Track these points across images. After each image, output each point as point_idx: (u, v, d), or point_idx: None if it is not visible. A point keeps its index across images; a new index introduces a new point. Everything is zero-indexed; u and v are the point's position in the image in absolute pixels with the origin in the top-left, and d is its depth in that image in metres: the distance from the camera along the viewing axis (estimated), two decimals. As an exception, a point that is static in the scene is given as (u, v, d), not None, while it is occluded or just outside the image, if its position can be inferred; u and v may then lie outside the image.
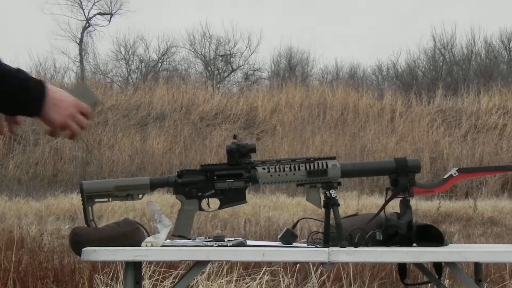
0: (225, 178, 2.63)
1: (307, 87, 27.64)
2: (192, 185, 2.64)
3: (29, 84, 2.04)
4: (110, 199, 2.63)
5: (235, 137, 2.68)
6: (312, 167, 2.65)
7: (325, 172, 2.64)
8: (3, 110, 2.09)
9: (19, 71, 2.05)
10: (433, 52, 34.44)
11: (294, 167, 2.65)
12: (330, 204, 2.62)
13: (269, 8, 55.18)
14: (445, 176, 2.83)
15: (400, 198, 2.75)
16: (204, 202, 2.66)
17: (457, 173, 2.82)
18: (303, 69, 34.90)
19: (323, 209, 2.63)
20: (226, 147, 2.67)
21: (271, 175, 2.64)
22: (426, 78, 33.67)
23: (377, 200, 15.24)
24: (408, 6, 55.08)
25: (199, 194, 2.64)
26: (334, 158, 2.68)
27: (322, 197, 2.64)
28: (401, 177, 2.71)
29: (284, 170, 2.64)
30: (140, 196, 2.64)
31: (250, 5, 54.65)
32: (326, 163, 2.66)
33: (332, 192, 2.63)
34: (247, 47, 34.47)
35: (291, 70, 34.11)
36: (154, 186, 2.64)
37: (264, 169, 2.64)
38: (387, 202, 2.72)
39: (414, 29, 56.84)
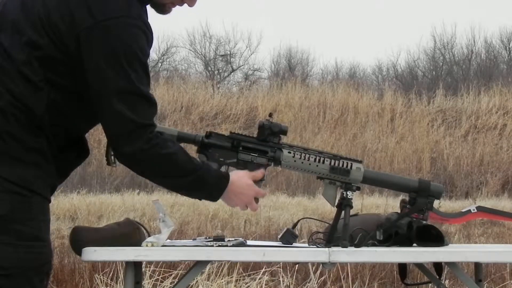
0: (250, 151, 2.62)
1: (307, 87, 27.63)
2: (217, 148, 2.61)
3: (211, 177, 2.43)
4: None
5: (270, 115, 2.66)
6: (336, 164, 2.64)
7: (348, 172, 2.64)
8: (186, 193, 2.47)
9: (208, 167, 2.44)
10: (433, 52, 34.45)
11: (319, 159, 2.64)
12: (344, 204, 2.62)
13: (269, 8, 55.23)
14: (464, 210, 2.88)
15: (401, 198, 2.76)
16: (223, 169, 2.63)
17: (475, 210, 2.86)
18: (303, 69, 34.91)
19: (330, 208, 2.63)
20: (258, 122, 2.65)
21: (295, 161, 2.63)
22: (426, 78, 33.67)
23: (377, 200, 15.23)
24: (408, 6, 55.11)
25: (221, 159, 2.61)
26: (360, 161, 2.68)
27: (338, 196, 2.65)
28: (420, 198, 2.70)
29: (308, 159, 2.63)
30: None
31: (250, 5, 54.71)
32: (351, 164, 2.65)
33: (349, 193, 2.63)
34: (247, 47, 34.45)
35: (291, 70, 34.10)
36: (180, 139, 2.62)
37: (290, 152, 2.63)
38: (400, 217, 2.72)
39: (414, 29, 56.88)
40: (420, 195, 2.70)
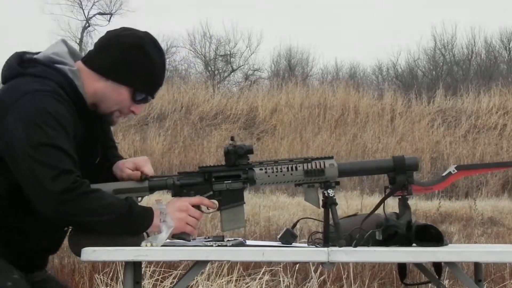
0: (223, 179, 2.64)
1: (307, 87, 27.63)
2: (191, 187, 2.65)
3: (133, 211, 2.52)
4: None
5: (232, 138, 2.67)
6: (309, 167, 2.64)
7: (323, 171, 2.64)
8: (116, 233, 2.52)
9: (130, 204, 2.54)
10: (433, 52, 34.47)
11: (292, 167, 2.64)
12: (328, 203, 2.61)
13: (269, 8, 55.21)
14: (444, 174, 2.82)
15: (399, 197, 2.75)
16: None
17: (456, 171, 2.80)
18: (303, 69, 34.94)
19: (321, 209, 2.63)
20: (223, 148, 2.67)
21: (269, 176, 2.64)
22: (426, 78, 33.68)
23: (377, 200, 15.13)
24: (408, 6, 55.09)
25: (198, 195, 2.64)
26: (331, 157, 2.67)
27: (321, 197, 2.64)
28: (399, 175, 2.70)
29: (281, 171, 2.64)
30: (139, 199, 2.66)
31: (250, 5, 54.68)
32: (324, 162, 2.65)
33: (330, 191, 2.62)
34: (247, 47, 34.50)
35: (291, 70, 34.12)
36: (153, 188, 2.67)
37: (261, 170, 2.64)
38: (384, 199, 2.72)
39: (414, 29, 56.88)
40: (397, 172, 2.70)
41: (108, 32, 2.69)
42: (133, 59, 2.62)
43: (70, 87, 2.56)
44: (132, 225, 2.53)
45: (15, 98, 2.49)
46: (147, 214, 2.56)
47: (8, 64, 2.60)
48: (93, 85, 2.61)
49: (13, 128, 2.45)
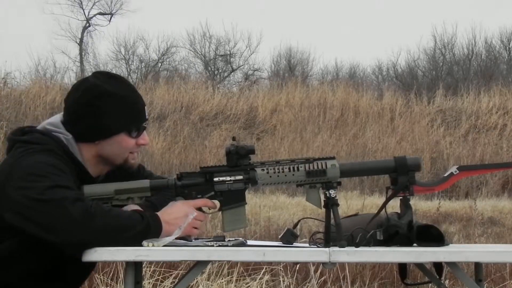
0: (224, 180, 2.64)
1: (307, 87, 27.62)
2: (192, 187, 2.64)
3: (149, 223, 2.51)
4: (111, 202, 2.64)
5: (233, 138, 2.68)
6: (311, 167, 2.64)
7: (324, 172, 2.64)
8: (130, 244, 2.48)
9: (141, 215, 2.51)
10: (433, 52, 34.46)
11: (293, 167, 2.64)
12: (330, 204, 2.61)
13: (269, 8, 55.23)
14: (446, 174, 2.81)
15: (400, 198, 2.75)
16: None
17: (457, 171, 2.80)
18: (303, 69, 34.92)
19: (323, 209, 2.63)
20: (225, 148, 2.67)
21: (270, 176, 2.64)
22: (426, 78, 33.67)
23: (377, 200, 15.23)
24: (408, 6, 55.11)
25: (199, 196, 2.64)
26: (333, 158, 2.67)
27: (322, 197, 2.64)
28: (401, 176, 2.69)
29: (283, 171, 2.63)
30: (141, 199, 2.66)
31: (250, 5, 54.71)
32: (325, 163, 2.65)
33: (332, 192, 2.62)
34: (247, 47, 34.48)
35: (291, 70, 34.12)
36: (154, 189, 2.66)
37: (263, 170, 2.64)
38: (387, 201, 2.71)
39: (414, 29, 56.91)
40: (399, 173, 2.69)
41: (66, 101, 2.65)
42: (105, 108, 2.60)
43: (66, 153, 2.58)
44: (149, 235, 2.52)
45: (10, 166, 2.50)
46: (158, 222, 2.55)
47: (8, 137, 2.62)
48: (90, 152, 2.62)
49: (15, 194, 2.43)
